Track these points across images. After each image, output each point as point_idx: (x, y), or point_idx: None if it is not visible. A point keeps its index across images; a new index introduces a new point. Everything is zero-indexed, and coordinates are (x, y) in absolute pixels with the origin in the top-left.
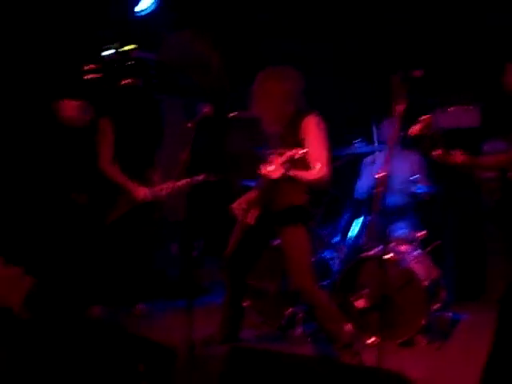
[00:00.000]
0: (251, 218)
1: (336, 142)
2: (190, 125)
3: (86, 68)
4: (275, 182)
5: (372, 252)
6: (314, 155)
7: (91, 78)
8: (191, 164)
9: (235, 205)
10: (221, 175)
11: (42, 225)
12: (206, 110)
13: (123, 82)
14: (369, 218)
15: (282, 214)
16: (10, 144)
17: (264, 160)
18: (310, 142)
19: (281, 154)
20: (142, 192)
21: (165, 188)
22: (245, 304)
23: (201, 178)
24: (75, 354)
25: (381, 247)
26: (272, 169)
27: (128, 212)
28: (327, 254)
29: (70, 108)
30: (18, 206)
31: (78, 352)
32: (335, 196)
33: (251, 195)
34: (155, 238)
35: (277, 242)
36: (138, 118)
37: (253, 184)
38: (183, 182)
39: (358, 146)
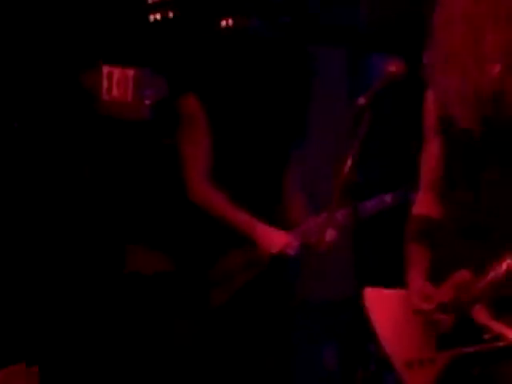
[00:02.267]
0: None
1: None
2: (361, 101)
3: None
4: None
5: None
6: None
7: (156, 19)
8: (364, 175)
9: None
10: None
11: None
12: (392, 68)
13: (220, 25)
14: None
15: None
16: None
17: None
18: None
19: None
20: (280, 239)
21: (318, 227)
22: None
23: (388, 200)
24: None
25: None
26: None
27: (251, 284)
28: None
29: (118, 82)
30: None
31: None
32: None
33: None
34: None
35: None
36: (255, 92)
37: None
38: (347, 211)
39: None
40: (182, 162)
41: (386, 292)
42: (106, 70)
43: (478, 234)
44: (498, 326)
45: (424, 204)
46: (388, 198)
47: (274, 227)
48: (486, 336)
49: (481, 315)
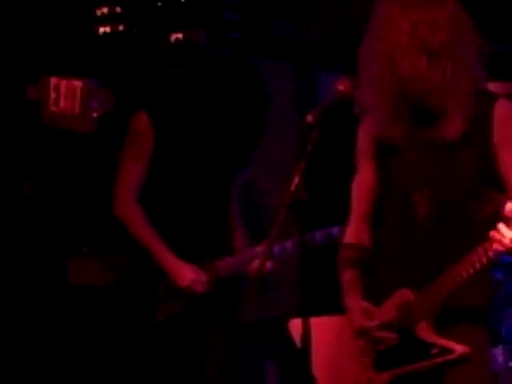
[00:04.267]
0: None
1: None
2: (308, 119)
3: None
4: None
5: None
6: None
7: (106, 32)
8: (312, 201)
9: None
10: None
11: None
12: (341, 87)
13: (169, 40)
14: None
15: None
16: None
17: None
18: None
19: None
20: (187, 275)
21: (247, 259)
22: None
23: (335, 233)
24: None
25: None
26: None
27: (195, 300)
28: None
29: (66, 94)
30: None
31: None
32: None
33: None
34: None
35: None
36: (203, 110)
37: None
38: (292, 242)
39: None
40: (117, 174)
41: (316, 320)
42: (53, 81)
43: (414, 256)
44: (443, 341)
45: (355, 231)
46: (335, 230)
47: (183, 261)
48: (434, 351)
49: (424, 332)
